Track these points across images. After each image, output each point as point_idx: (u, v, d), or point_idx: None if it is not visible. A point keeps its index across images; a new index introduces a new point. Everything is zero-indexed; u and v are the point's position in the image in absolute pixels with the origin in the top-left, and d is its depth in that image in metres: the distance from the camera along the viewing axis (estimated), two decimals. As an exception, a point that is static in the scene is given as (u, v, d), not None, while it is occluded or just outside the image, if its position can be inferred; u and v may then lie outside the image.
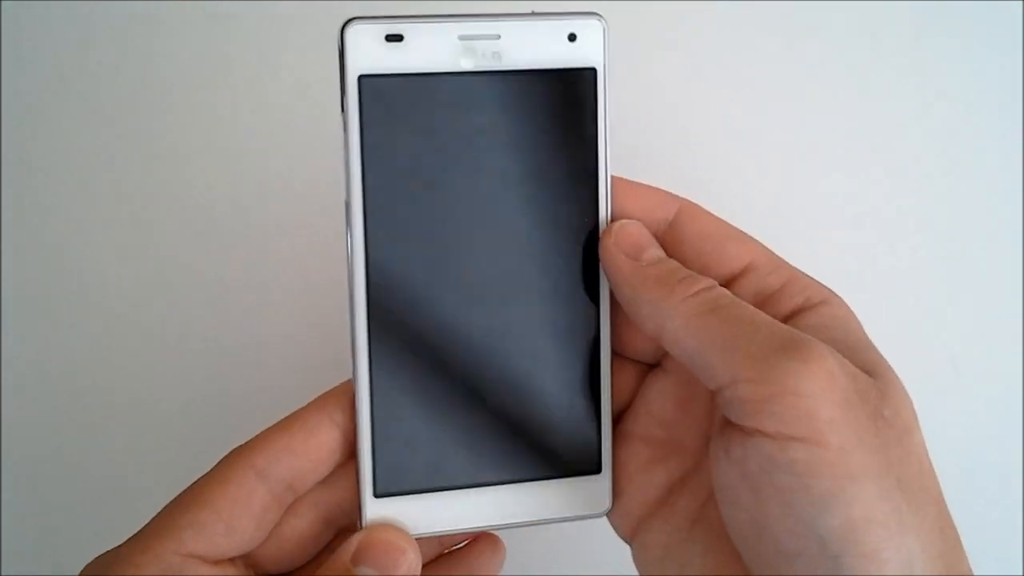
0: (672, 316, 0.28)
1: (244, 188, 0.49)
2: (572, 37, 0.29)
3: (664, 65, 0.47)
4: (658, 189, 0.32)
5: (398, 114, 0.28)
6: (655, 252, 0.30)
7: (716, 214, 0.32)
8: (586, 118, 0.29)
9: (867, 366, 0.27)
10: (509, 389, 0.29)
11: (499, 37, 0.28)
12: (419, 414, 0.29)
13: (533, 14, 0.29)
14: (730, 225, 0.31)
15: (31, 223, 0.49)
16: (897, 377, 0.28)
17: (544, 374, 0.30)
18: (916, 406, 0.48)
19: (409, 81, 0.28)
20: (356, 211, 0.28)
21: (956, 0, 0.46)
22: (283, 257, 0.49)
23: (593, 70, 0.29)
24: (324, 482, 0.30)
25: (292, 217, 0.49)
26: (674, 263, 0.30)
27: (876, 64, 0.47)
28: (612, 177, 0.31)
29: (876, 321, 0.49)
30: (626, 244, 0.30)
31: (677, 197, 0.32)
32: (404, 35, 0.28)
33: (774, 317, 0.29)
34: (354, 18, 0.28)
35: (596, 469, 0.30)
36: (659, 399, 0.32)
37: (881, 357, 0.28)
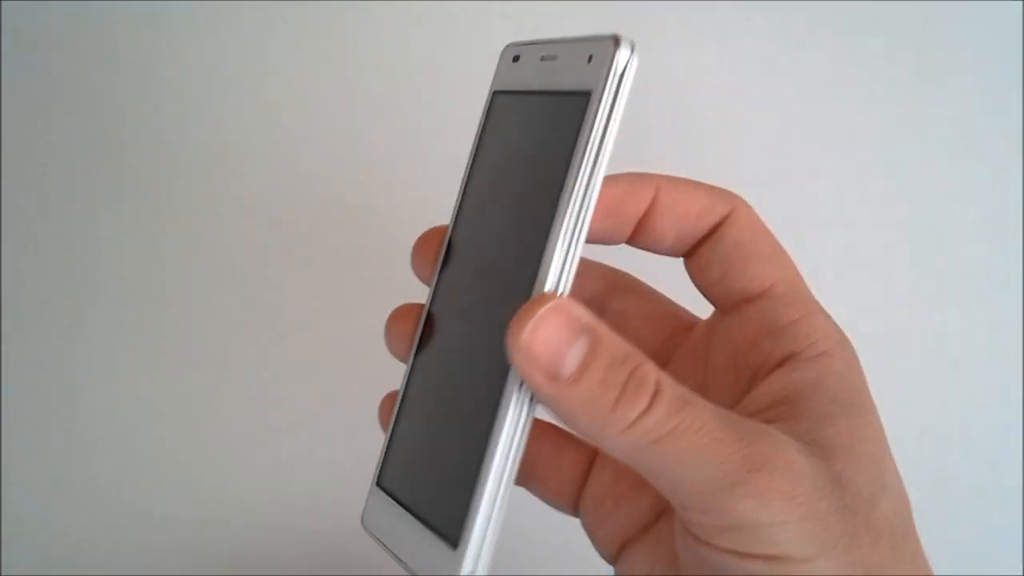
0: (610, 448, 0.25)
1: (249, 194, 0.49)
2: (589, 59, 0.26)
3: (669, 65, 0.47)
4: (712, 190, 0.29)
5: (496, 129, 0.29)
6: (576, 353, 0.24)
7: (764, 223, 0.30)
8: (563, 150, 0.26)
9: (837, 437, 0.26)
10: (439, 424, 0.28)
11: (556, 58, 0.27)
12: (406, 428, 0.30)
13: (591, 36, 0.26)
14: (769, 239, 0.30)
15: (30, 227, 0.49)
16: (865, 439, 0.26)
17: (459, 423, 0.27)
18: (916, 406, 0.48)
19: (500, 98, 0.29)
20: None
21: (957, 0, 0.46)
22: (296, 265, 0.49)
23: (587, 95, 0.26)
24: None
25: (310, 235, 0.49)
26: (599, 367, 0.24)
27: (878, 64, 0.47)
28: (660, 177, 0.29)
29: (877, 321, 0.49)
30: (542, 358, 0.24)
31: (731, 198, 0.29)
32: (520, 56, 0.29)
33: (770, 355, 0.28)
34: (511, 43, 0.29)
35: (452, 543, 0.26)
36: None
37: (859, 420, 0.27)
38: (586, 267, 0.32)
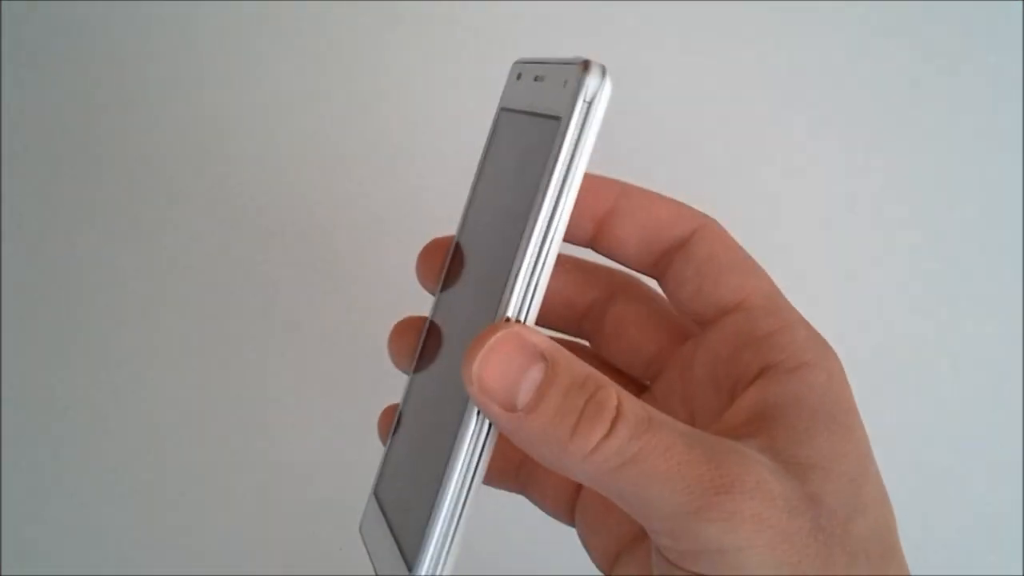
0: (574, 474, 0.24)
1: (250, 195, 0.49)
2: (564, 83, 0.25)
3: (661, 66, 0.47)
4: (679, 204, 0.29)
5: (498, 146, 0.29)
6: (531, 381, 0.24)
7: (735, 239, 0.29)
8: (536, 175, 0.25)
9: (815, 454, 0.25)
10: (416, 445, 0.28)
11: (544, 80, 0.27)
12: (398, 442, 0.30)
13: (575, 59, 0.25)
14: (742, 253, 0.29)
15: (31, 229, 0.49)
16: (844, 456, 0.25)
17: (430, 447, 0.27)
18: (915, 407, 0.48)
19: (503, 115, 0.29)
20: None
21: (956, 0, 0.46)
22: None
23: (556, 120, 0.25)
24: None
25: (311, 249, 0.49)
26: (556, 394, 0.24)
27: (876, 65, 0.47)
28: (628, 184, 0.29)
29: (877, 322, 0.49)
30: (495, 389, 0.23)
31: (700, 215, 0.29)
32: (522, 74, 0.29)
33: (749, 366, 0.27)
34: (519, 60, 0.29)
35: (409, 567, 0.26)
36: None
37: (839, 436, 0.26)
38: (590, 270, 0.32)
